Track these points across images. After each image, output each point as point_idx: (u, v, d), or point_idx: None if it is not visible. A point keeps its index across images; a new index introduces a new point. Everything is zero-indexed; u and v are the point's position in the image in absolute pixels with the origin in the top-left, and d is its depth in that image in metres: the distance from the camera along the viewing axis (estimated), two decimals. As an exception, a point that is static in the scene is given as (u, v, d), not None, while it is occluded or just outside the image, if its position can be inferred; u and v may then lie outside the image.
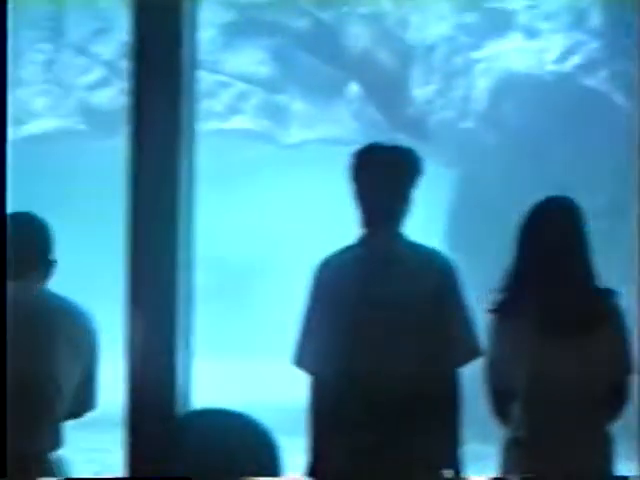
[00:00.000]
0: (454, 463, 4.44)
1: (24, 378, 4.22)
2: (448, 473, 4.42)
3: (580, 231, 4.48)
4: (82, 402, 4.50)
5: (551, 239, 4.45)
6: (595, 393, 4.47)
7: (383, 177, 4.47)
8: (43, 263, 4.49)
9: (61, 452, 4.45)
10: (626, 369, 4.54)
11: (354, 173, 4.51)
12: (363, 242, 4.49)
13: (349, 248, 4.51)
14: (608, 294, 4.51)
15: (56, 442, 4.39)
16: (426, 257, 4.47)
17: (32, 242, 4.45)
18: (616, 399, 4.56)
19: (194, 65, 5.53)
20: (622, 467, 4.65)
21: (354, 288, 4.39)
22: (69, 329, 4.36)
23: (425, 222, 12.81)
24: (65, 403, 4.38)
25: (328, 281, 4.44)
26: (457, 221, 12.80)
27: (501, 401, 4.56)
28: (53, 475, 4.36)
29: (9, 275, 4.32)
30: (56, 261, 4.51)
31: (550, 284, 4.43)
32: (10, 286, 4.30)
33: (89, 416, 4.59)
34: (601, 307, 4.47)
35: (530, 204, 4.50)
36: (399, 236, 4.49)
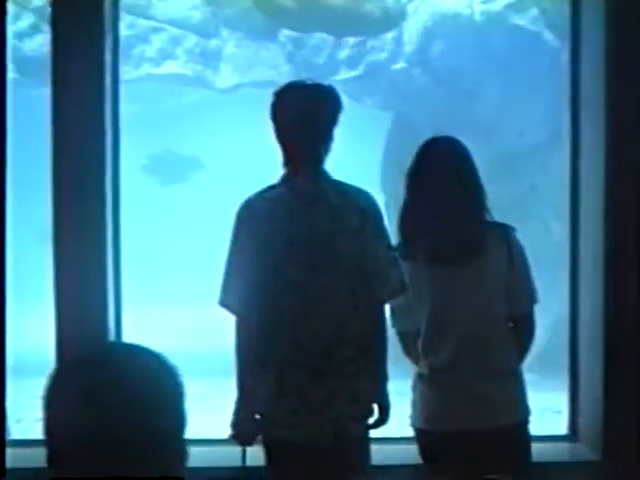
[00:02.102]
0: (381, 398, 4.45)
1: None
2: (375, 407, 4.44)
3: (465, 166, 4.51)
4: None
5: (435, 174, 4.49)
6: (497, 323, 4.52)
7: (303, 115, 4.39)
8: None
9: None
10: (530, 300, 4.60)
11: (274, 112, 4.43)
12: (285, 181, 4.43)
13: (271, 188, 4.45)
14: (504, 227, 4.54)
15: None
16: (349, 195, 4.40)
17: None
18: (523, 330, 4.62)
19: (117, 9, 5.45)
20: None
21: (276, 226, 4.33)
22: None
23: (361, 162, 12.92)
24: None
25: (251, 221, 4.38)
26: (388, 160, 12.77)
27: (408, 340, 4.63)
28: None
29: None
30: None
31: (440, 218, 4.46)
32: None
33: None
34: (495, 237, 4.49)
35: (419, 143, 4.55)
36: (321, 174, 4.42)
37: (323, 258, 4.31)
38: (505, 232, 4.52)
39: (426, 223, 4.50)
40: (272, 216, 4.35)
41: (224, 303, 4.39)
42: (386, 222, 4.43)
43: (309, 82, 4.51)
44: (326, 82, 4.56)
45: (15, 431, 6.23)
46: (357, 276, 4.33)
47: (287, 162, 4.41)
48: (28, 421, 7.31)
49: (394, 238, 4.50)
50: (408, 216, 4.57)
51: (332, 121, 4.43)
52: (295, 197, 4.37)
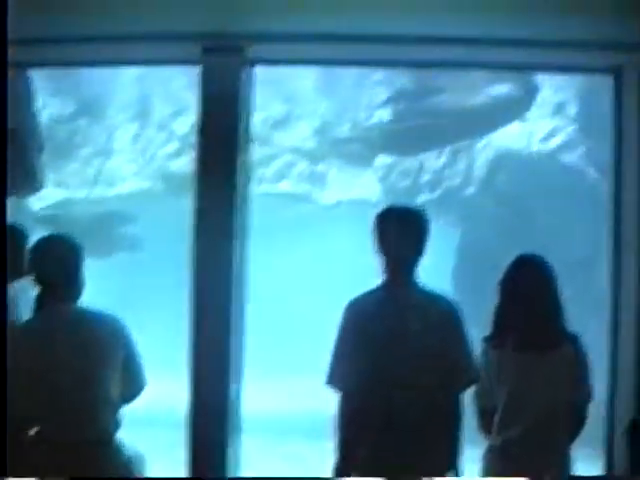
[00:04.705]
0: (455, 467, 4.41)
1: (77, 376, 4.26)
2: (450, 474, 4.41)
3: (547, 279, 4.61)
4: (131, 383, 4.51)
5: (523, 286, 4.59)
6: (559, 412, 4.54)
7: (400, 232, 4.45)
8: (76, 283, 4.48)
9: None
10: (586, 395, 4.60)
11: (377, 229, 4.49)
12: (384, 287, 4.47)
13: (372, 291, 4.49)
14: (574, 336, 4.62)
15: (115, 425, 4.40)
16: (434, 301, 4.44)
17: (64, 263, 4.44)
18: (576, 420, 4.63)
19: (248, 139, 5.57)
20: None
21: (376, 324, 4.36)
22: (102, 330, 4.38)
23: (436, 270, 12.87)
24: (117, 388, 4.41)
25: (355, 317, 4.42)
26: (460, 270, 12.72)
27: (485, 417, 4.65)
28: (115, 458, 4.35)
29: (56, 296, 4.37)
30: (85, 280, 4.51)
31: (524, 322, 4.56)
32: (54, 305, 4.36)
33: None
34: (567, 344, 4.57)
35: (510, 261, 4.65)
36: (413, 282, 4.46)
37: (413, 351, 4.32)
38: (574, 338, 4.60)
39: (515, 322, 4.57)
40: (373, 316, 4.39)
41: (331, 383, 4.40)
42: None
43: (405, 206, 4.65)
44: (411, 203, 4.62)
45: None
46: (441, 368, 4.33)
47: (386, 270, 4.46)
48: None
49: (485, 330, 4.59)
50: (500, 315, 4.65)
51: (423, 238, 4.48)
52: (392, 301, 4.41)
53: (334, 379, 4.40)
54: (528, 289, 4.57)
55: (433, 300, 4.43)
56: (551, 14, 4.80)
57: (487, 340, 4.64)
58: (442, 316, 4.38)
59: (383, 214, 4.54)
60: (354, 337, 4.38)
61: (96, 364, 4.34)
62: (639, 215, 5.34)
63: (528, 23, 4.95)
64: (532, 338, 4.54)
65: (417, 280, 4.47)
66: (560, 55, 5.42)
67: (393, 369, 4.32)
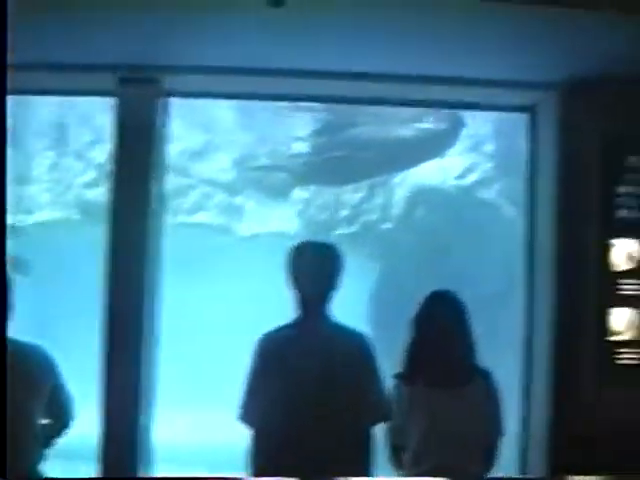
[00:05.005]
0: None
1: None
2: None
3: (459, 316, 4.58)
4: (59, 415, 4.48)
5: (435, 322, 4.56)
6: (471, 447, 4.50)
7: (313, 267, 4.43)
8: None
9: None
10: (498, 430, 4.60)
11: (291, 264, 4.46)
12: (296, 322, 4.44)
13: (286, 326, 4.45)
14: (486, 372, 4.62)
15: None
16: (347, 336, 4.41)
17: None
18: (489, 456, 4.61)
19: (164, 170, 5.52)
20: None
21: (289, 361, 4.31)
22: (27, 364, 4.31)
23: (352, 304, 12.87)
24: (45, 420, 4.40)
25: (267, 353, 4.37)
26: (377, 305, 12.72)
27: (397, 453, 4.62)
28: None
29: None
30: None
31: (436, 358, 4.53)
32: None
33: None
34: (479, 379, 4.57)
35: (423, 296, 4.64)
36: (325, 317, 4.43)
37: (325, 388, 4.26)
38: (485, 374, 4.60)
39: (426, 358, 4.55)
40: (285, 351, 4.34)
41: (243, 419, 4.35)
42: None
43: (320, 241, 4.60)
44: (328, 236, 4.61)
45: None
46: (353, 403, 4.28)
47: (299, 305, 4.43)
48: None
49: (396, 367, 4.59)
50: (413, 352, 4.62)
51: (336, 273, 4.46)
52: (305, 337, 4.37)
53: (246, 415, 4.35)
54: (440, 325, 4.55)
55: (345, 335, 4.40)
56: (468, 53, 4.84)
57: (399, 376, 4.62)
58: (354, 351, 4.34)
59: (296, 249, 4.51)
60: (265, 372, 4.33)
61: (25, 396, 4.25)
62: (552, 251, 5.39)
63: (446, 61, 5.00)
64: (444, 374, 4.51)
65: (330, 315, 4.44)
66: (477, 93, 5.48)
67: (304, 405, 4.25)
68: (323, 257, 4.46)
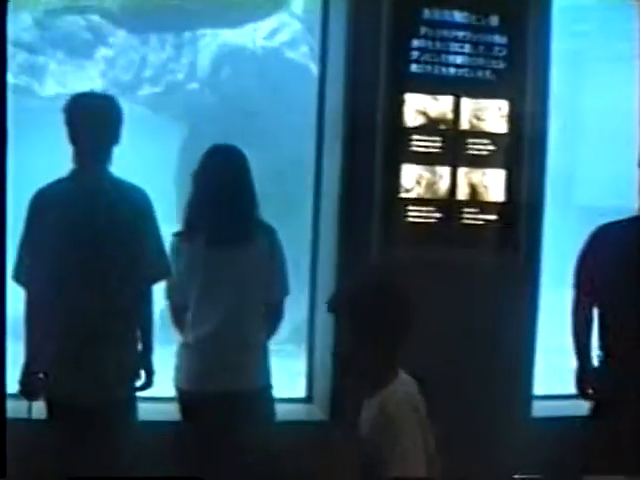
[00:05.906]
0: (147, 365, 4.30)
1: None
2: (142, 374, 4.30)
3: (240, 170, 4.36)
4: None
5: (214, 176, 4.35)
6: (254, 306, 4.38)
7: (90, 120, 4.20)
8: None
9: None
10: (283, 290, 4.47)
11: (67, 117, 4.21)
12: (73, 176, 4.21)
13: (61, 180, 4.22)
14: (269, 227, 4.44)
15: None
16: (125, 191, 4.21)
17: None
18: (273, 316, 4.49)
19: None
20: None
21: (62, 215, 4.09)
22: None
23: (156, 165, 12.59)
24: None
25: (41, 209, 4.13)
26: (183, 165, 12.49)
27: (177, 313, 4.46)
28: None
29: None
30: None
31: (215, 215, 4.31)
32: None
33: None
34: (262, 237, 4.39)
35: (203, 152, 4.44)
36: (105, 171, 4.21)
37: (99, 245, 4.10)
38: (269, 231, 4.42)
39: (205, 215, 4.34)
40: (59, 206, 4.13)
41: (17, 279, 4.11)
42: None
43: (98, 93, 4.46)
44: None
45: None
46: (128, 262, 4.14)
47: (75, 159, 4.21)
48: None
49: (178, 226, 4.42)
50: (191, 209, 4.42)
51: (116, 125, 4.25)
52: (80, 190, 4.16)
53: (20, 275, 4.11)
54: (216, 179, 4.34)
55: (125, 190, 4.21)
56: None
57: (178, 235, 4.42)
58: (132, 207, 4.16)
59: (72, 100, 4.26)
60: (40, 230, 4.10)
61: None
62: (343, 108, 5.28)
63: None
64: (224, 232, 4.32)
65: (109, 169, 4.23)
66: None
67: (79, 262, 4.08)
68: (99, 108, 4.22)
